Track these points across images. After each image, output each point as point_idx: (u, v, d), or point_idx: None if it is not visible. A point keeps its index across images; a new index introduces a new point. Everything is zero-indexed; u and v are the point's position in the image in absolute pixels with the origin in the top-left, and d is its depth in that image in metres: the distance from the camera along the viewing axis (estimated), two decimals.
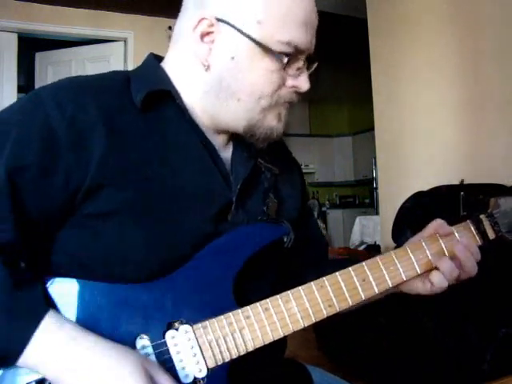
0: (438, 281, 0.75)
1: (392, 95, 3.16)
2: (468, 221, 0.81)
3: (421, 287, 0.77)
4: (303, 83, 0.74)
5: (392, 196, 3.03)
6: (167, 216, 0.68)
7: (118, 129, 0.67)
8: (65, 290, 0.62)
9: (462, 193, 0.92)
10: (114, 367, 0.56)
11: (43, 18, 3.82)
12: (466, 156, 2.60)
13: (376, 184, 5.07)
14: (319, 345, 2.73)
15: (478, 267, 0.76)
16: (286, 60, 0.70)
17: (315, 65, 0.78)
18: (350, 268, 0.71)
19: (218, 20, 0.70)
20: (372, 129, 3.44)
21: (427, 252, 0.75)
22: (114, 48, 4.09)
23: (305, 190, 0.95)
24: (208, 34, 0.71)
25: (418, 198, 2.16)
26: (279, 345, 0.70)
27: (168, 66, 0.77)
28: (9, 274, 0.58)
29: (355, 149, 7.47)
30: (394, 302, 1.98)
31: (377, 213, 4.64)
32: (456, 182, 2.42)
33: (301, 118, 7.58)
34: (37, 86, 4.04)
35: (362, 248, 4.43)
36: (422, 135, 2.89)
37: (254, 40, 0.69)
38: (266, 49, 0.69)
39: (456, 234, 0.79)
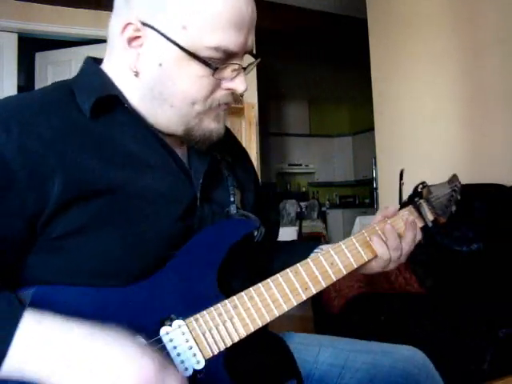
0: (381, 251, 0.82)
1: (392, 95, 3.16)
2: (410, 206, 0.92)
3: (375, 265, 0.84)
4: (239, 85, 0.72)
5: (392, 196, 3.02)
6: (137, 220, 0.67)
7: (71, 145, 0.65)
8: (52, 298, 0.61)
9: (401, 181, 1.03)
10: (107, 346, 0.54)
11: (43, 18, 3.82)
12: (466, 156, 2.60)
13: (376, 184, 5.06)
14: None
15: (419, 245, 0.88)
16: (215, 65, 0.68)
17: (257, 61, 0.76)
18: (319, 254, 0.79)
19: (144, 24, 0.67)
20: (372, 129, 3.44)
21: (380, 234, 0.85)
22: None
23: (255, 172, 0.97)
24: (135, 38, 0.69)
25: None
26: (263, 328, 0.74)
27: (107, 68, 0.75)
28: None
29: (355, 149, 7.47)
30: (394, 302, 1.98)
31: None
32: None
33: (301, 118, 7.58)
34: (37, 85, 4.04)
35: None
36: (422, 135, 2.89)
37: (179, 46, 0.66)
38: (192, 55, 0.67)
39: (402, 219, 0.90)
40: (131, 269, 0.66)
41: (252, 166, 0.97)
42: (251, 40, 0.71)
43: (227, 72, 0.71)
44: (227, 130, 0.89)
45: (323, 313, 2.22)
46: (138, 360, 0.54)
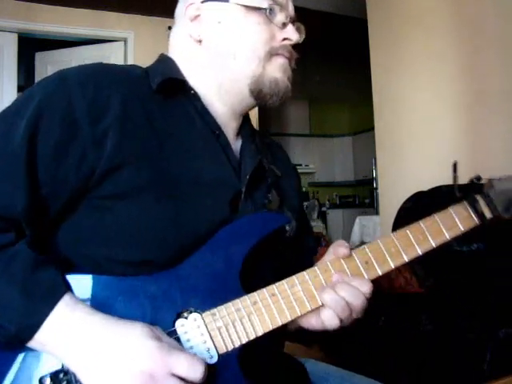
0: (328, 318, 0.69)
1: (392, 95, 3.16)
2: (464, 201, 0.82)
3: (314, 323, 0.73)
4: (291, 33, 0.79)
5: (392, 196, 3.02)
6: (184, 197, 0.69)
7: (133, 112, 0.69)
8: (78, 284, 0.63)
9: (455, 174, 0.93)
10: (123, 337, 0.58)
11: (43, 18, 3.82)
12: (466, 155, 2.60)
13: (376, 184, 5.07)
14: (322, 346, 2.72)
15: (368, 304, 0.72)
16: (266, 7, 0.76)
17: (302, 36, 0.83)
18: (352, 251, 0.73)
19: (203, 2, 0.78)
20: (372, 129, 3.43)
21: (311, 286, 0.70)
22: (114, 48, 4.10)
23: (302, 194, 0.98)
24: (196, 17, 0.79)
25: (418, 197, 2.16)
26: (282, 331, 0.71)
27: (174, 57, 0.82)
28: (31, 252, 0.61)
29: (355, 149, 7.47)
30: (394, 302, 1.98)
31: (377, 213, 4.64)
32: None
33: (301, 117, 7.58)
34: None
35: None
36: (422, 135, 2.89)
37: (235, 2, 0.76)
38: (247, 7, 0.76)
39: (453, 215, 0.80)
40: (171, 243, 0.67)
41: (300, 188, 0.97)
42: (291, 7, 0.81)
43: (278, 23, 0.78)
44: (282, 151, 0.97)
45: None
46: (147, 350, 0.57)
